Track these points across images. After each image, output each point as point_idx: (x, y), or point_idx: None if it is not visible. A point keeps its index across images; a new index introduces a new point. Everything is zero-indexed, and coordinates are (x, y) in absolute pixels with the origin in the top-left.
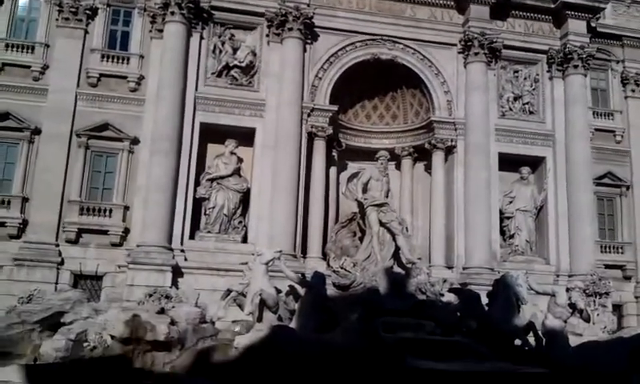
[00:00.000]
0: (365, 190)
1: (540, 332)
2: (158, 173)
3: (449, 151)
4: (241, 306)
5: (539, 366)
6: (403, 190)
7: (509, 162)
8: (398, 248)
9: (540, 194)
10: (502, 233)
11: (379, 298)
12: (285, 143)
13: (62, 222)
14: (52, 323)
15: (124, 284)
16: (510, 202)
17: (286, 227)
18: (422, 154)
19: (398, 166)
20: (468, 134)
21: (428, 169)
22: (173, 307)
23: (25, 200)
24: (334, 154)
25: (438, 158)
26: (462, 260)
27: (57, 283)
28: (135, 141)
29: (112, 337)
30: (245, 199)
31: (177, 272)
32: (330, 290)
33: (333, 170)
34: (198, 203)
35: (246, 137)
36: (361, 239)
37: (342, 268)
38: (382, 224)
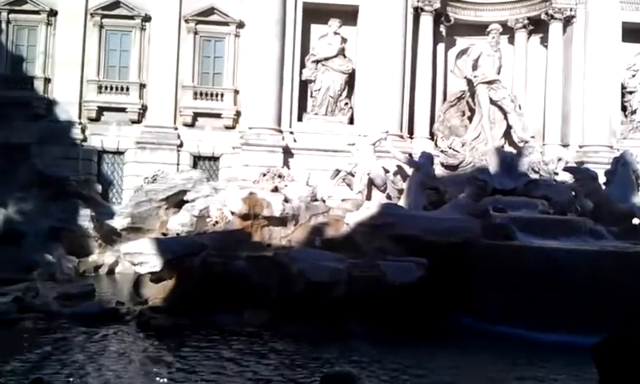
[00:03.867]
0: (475, 67)
1: None
2: (264, 56)
3: (567, 22)
4: (349, 186)
5: None
6: (516, 65)
7: (633, 33)
8: (509, 127)
9: None
10: (623, 109)
11: (489, 177)
12: (390, 20)
13: (178, 106)
14: (176, 201)
15: (239, 164)
16: (633, 76)
17: (392, 107)
18: (537, 26)
19: (511, 40)
20: (589, 2)
21: (544, 42)
22: (286, 186)
23: (142, 86)
24: (442, 29)
25: (555, 29)
26: (579, 138)
27: (178, 164)
28: (241, 24)
29: (232, 213)
30: (350, 80)
31: (287, 153)
32: (438, 170)
33: (440, 47)
34: (304, 86)
35: (349, 16)
36: (470, 118)
37: (450, 148)
38: (492, 102)
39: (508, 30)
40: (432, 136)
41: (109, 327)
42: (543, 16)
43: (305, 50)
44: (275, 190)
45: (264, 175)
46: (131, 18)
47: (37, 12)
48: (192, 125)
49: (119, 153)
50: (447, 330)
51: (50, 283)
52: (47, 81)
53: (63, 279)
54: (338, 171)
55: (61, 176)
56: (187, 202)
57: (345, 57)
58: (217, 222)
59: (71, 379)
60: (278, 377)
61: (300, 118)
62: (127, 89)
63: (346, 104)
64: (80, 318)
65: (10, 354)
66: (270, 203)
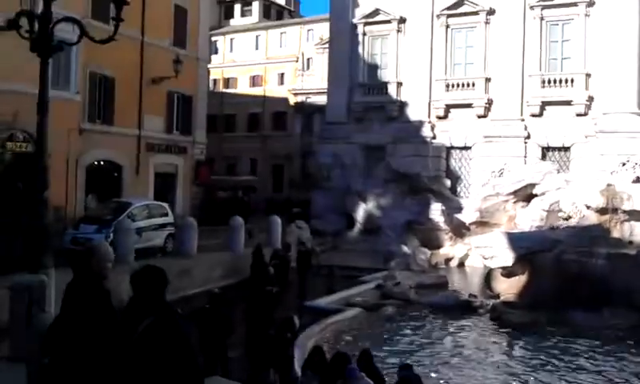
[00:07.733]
0: None
1: None
2: (620, 33)
3: None
4: None
5: None
6: None
7: None
8: None
9: None
10: None
11: None
12: None
13: (524, 97)
14: (524, 194)
15: (593, 153)
16: None
17: None
18: None
19: None
20: None
21: None
22: None
23: (487, 80)
24: None
25: None
26: None
27: (525, 156)
28: (590, 3)
29: (587, 206)
30: None
31: None
32: None
33: None
34: None
35: None
36: None
37: None
38: None
39: None
40: None
41: (463, 319)
42: None
43: None
44: (637, 180)
45: (623, 164)
46: (476, 13)
47: (388, 21)
48: (539, 114)
49: (466, 148)
50: None
51: (406, 273)
52: (399, 84)
53: (417, 270)
54: None
55: (413, 173)
56: (536, 195)
57: None
58: (570, 217)
59: (432, 373)
60: None
61: None
62: (473, 84)
63: None
64: (435, 308)
65: (376, 338)
66: (630, 196)
